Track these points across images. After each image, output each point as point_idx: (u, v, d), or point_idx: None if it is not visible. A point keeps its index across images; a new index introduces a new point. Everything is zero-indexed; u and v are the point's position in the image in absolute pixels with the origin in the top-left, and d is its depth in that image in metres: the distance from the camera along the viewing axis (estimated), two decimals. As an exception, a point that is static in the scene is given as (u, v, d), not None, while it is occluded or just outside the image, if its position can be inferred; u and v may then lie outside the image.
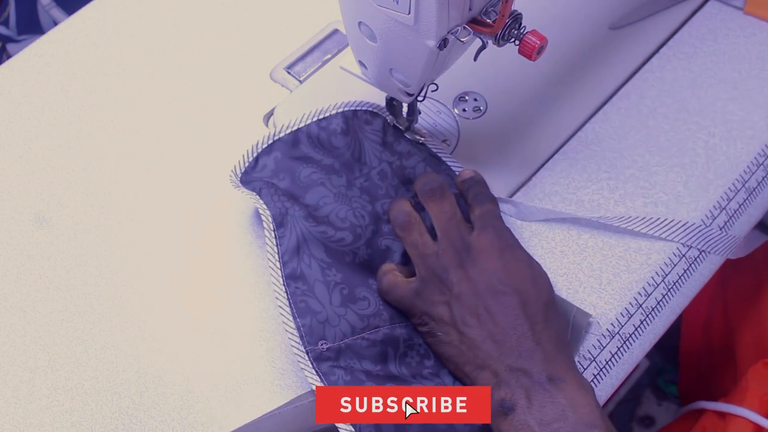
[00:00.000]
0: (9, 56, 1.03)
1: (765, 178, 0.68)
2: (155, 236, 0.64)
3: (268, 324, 0.60)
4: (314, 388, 0.55)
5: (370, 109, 0.66)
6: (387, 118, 0.66)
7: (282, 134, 0.63)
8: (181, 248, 0.63)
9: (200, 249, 0.63)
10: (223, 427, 0.56)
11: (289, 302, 0.57)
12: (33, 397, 0.57)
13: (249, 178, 0.62)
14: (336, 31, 0.74)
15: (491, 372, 0.53)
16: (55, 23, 1.05)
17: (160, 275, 0.62)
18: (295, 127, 0.64)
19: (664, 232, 0.64)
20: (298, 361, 0.55)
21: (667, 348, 1.13)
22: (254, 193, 0.60)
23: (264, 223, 0.59)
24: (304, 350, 0.55)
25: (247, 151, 0.63)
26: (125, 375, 0.58)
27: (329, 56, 0.73)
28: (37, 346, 0.59)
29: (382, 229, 0.60)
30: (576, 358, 0.59)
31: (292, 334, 0.56)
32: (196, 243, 0.64)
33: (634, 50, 0.74)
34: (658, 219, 0.64)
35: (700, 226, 0.64)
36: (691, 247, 0.64)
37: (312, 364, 0.55)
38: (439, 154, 0.66)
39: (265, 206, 0.59)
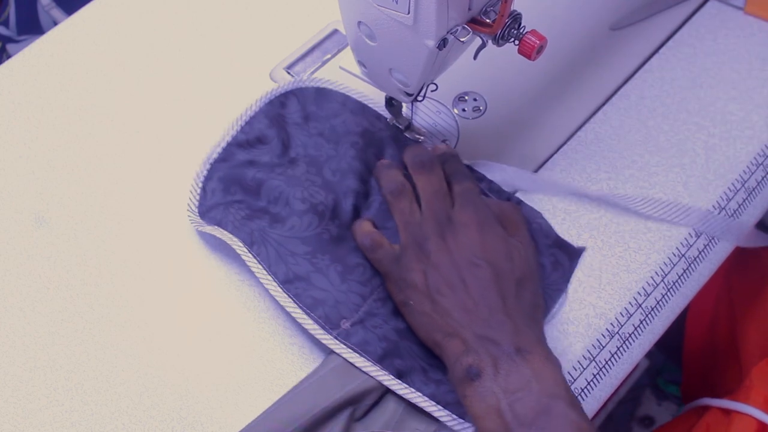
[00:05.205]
0: (9, 56, 1.03)
1: (764, 178, 0.68)
2: (156, 236, 0.64)
3: (267, 324, 0.60)
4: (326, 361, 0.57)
5: (280, 92, 0.67)
6: (302, 87, 0.67)
7: (215, 155, 0.65)
8: (181, 248, 0.63)
9: (201, 249, 0.63)
10: (222, 427, 0.56)
11: (297, 303, 0.58)
12: (33, 397, 0.57)
13: (205, 208, 0.63)
14: (336, 31, 0.74)
15: (461, 339, 0.54)
16: (55, 23, 1.05)
17: (160, 275, 0.62)
18: (224, 144, 0.65)
19: (677, 216, 0.64)
20: (331, 347, 0.57)
21: (668, 347, 1.13)
22: (216, 227, 0.61)
23: (237, 250, 0.60)
24: (332, 336, 0.57)
25: (192, 185, 0.64)
26: (125, 375, 0.58)
27: (329, 56, 0.73)
28: (37, 346, 0.59)
29: (338, 193, 0.62)
30: (575, 358, 0.60)
31: (314, 328, 0.57)
32: (197, 243, 0.64)
33: (634, 50, 0.74)
34: (670, 203, 0.64)
35: (712, 212, 0.64)
36: (701, 234, 0.64)
37: (345, 344, 0.57)
38: (364, 101, 0.67)
39: (231, 236, 0.61)
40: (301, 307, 0.58)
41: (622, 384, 1.02)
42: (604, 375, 0.60)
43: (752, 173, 0.68)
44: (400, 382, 0.55)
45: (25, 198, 0.65)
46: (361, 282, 0.59)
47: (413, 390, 0.55)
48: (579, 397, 0.59)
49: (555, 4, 0.76)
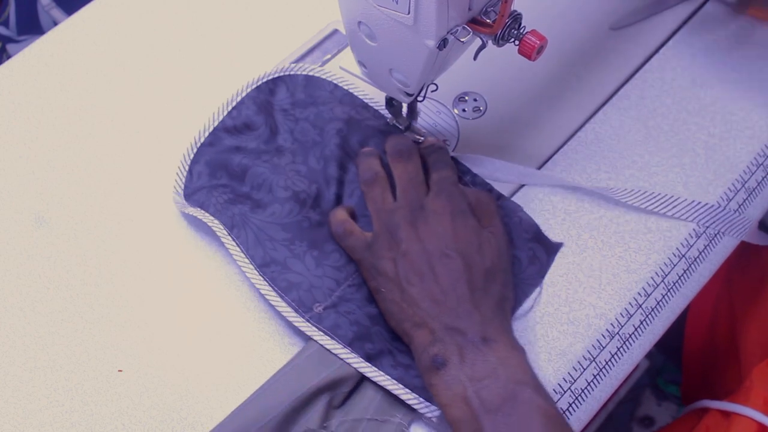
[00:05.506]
0: (9, 56, 1.03)
1: (765, 179, 0.68)
2: (155, 236, 0.64)
3: (267, 324, 0.60)
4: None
5: (269, 77, 0.68)
6: (292, 74, 0.68)
7: (202, 139, 0.65)
8: (181, 248, 0.63)
9: (201, 249, 0.63)
10: (222, 427, 0.56)
11: (272, 286, 0.59)
12: (33, 397, 0.57)
13: (190, 190, 0.63)
14: (336, 31, 0.74)
15: (428, 330, 0.54)
16: (55, 23, 1.05)
17: (160, 275, 0.62)
18: (211, 128, 0.65)
19: (679, 212, 0.64)
20: (304, 330, 0.57)
21: (668, 348, 1.13)
22: (199, 209, 0.62)
23: (218, 232, 0.61)
24: (305, 319, 0.58)
25: (179, 167, 0.64)
26: (125, 375, 0.58)
27: (329, 56, 0.73)
28: (37, 346, 0.59)
29: (321, 181, 0.63)
30: (575, 359, 0.60)
31: (287, 311, 0.58)
32: (197, 243, 0.64)
33: (634, 50, 0.74)
34: (674, 198, 0.64)
35: (716, 206, 0.64)
36: (706, 229, 0.64)
37: (317, 327, 0.57)
38: (354, 92, 0.68)
39: (212, 218, 0.61)
40: (275, 290, 0.58)
41: (622, 384, 1.02)
42: (605, 375, 0.60)
43: (752, 173, 0.68)
44: (369, 365, 0.56)
45: (25, 198, 0.65)
46: (336, 268, 0.60)
47: (381, 373, 0.56)
48: (579, 398, 0.59)
49: (555, 4, 0.76)
